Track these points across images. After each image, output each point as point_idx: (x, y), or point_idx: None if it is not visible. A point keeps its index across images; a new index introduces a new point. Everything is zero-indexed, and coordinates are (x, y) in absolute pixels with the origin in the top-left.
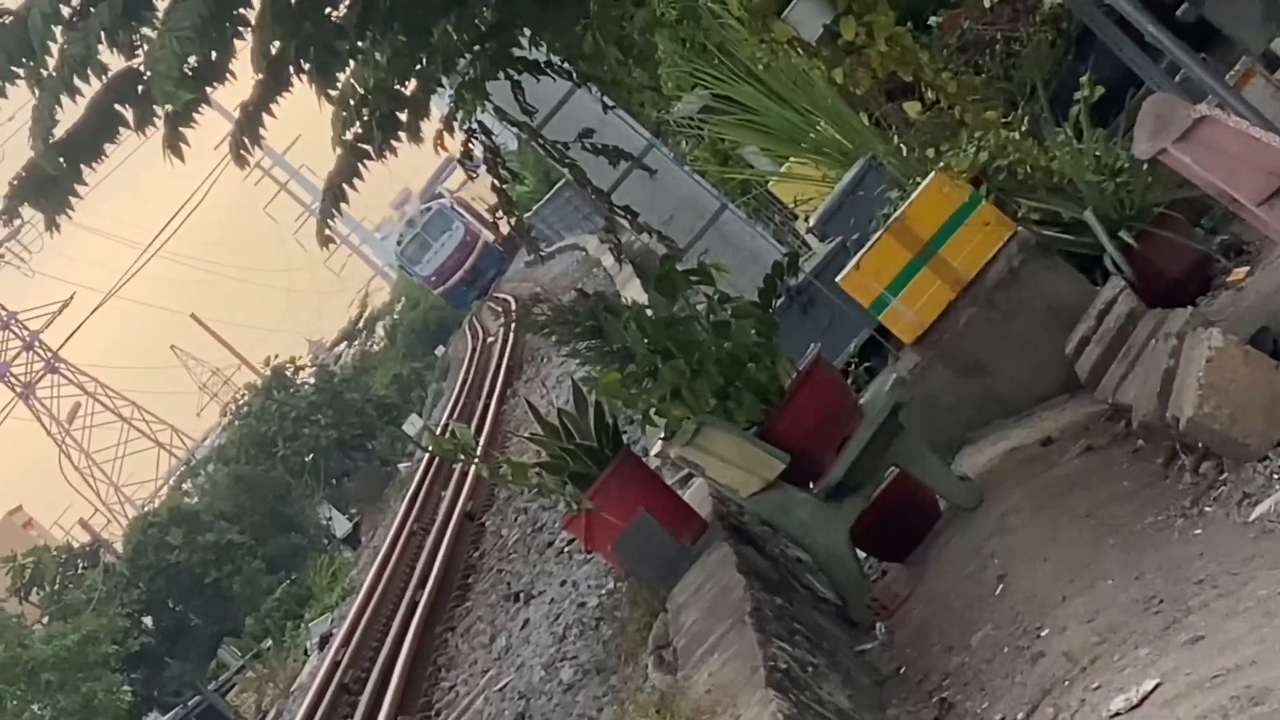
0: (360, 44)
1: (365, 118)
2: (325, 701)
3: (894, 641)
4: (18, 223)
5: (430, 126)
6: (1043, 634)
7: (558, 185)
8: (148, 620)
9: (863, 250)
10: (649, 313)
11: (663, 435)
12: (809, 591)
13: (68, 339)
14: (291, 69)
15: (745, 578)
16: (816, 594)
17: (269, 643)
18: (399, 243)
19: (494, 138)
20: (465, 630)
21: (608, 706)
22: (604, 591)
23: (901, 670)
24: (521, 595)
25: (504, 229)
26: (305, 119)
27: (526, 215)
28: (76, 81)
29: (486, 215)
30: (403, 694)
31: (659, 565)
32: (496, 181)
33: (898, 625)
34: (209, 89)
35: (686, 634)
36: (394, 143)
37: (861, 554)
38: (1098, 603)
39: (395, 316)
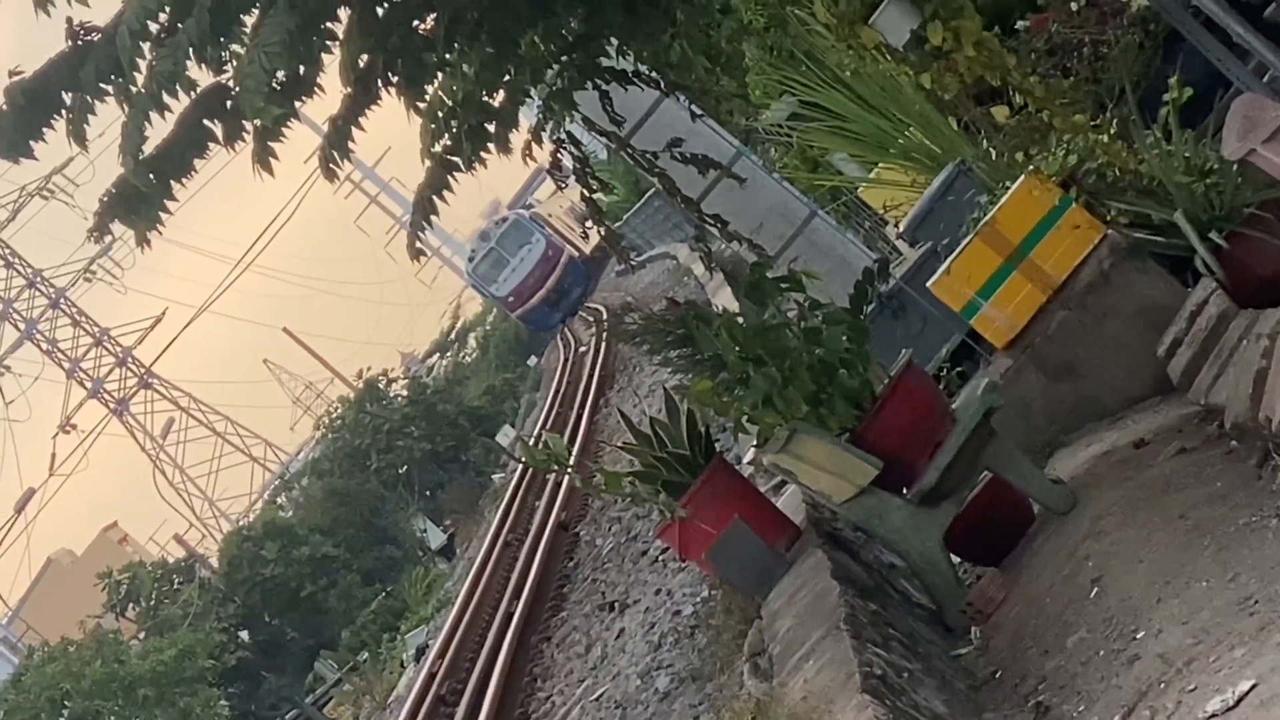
0: (448, 56)
1: (454, 130)
2: (422, 713)
3: (989, 646)
4: (109, 239)
5: (519, 137)
6: (1138, 636)
7: (647, 194)
8: (244, 634)
9: (953, 255)
10: (740, 320)
11: (755, 443)
12: (903, 597)
13: (160, 354)
14: (380, 82)
15: (839, 584)
16: (911, 599)
17: (365, 655)
18: (470, 259)
19: (583, 147)
20: (561, 640)
21: (704, 714)
22: (699, 599)
23: (997, 674)
24: (616, 604)
25: (589, 244)
26: (394, 131)
27: (617, 225)
28: (165, 98)
29: (566, 231)
30: (499, 705)
31: (753, 572)
32: (586, 191)
33: (993, 629)
34: (298, 103)
35: (781, 641)
36: (483, 154)
37: (955, 559)
38: (1193, 604)
39: (487, 327)
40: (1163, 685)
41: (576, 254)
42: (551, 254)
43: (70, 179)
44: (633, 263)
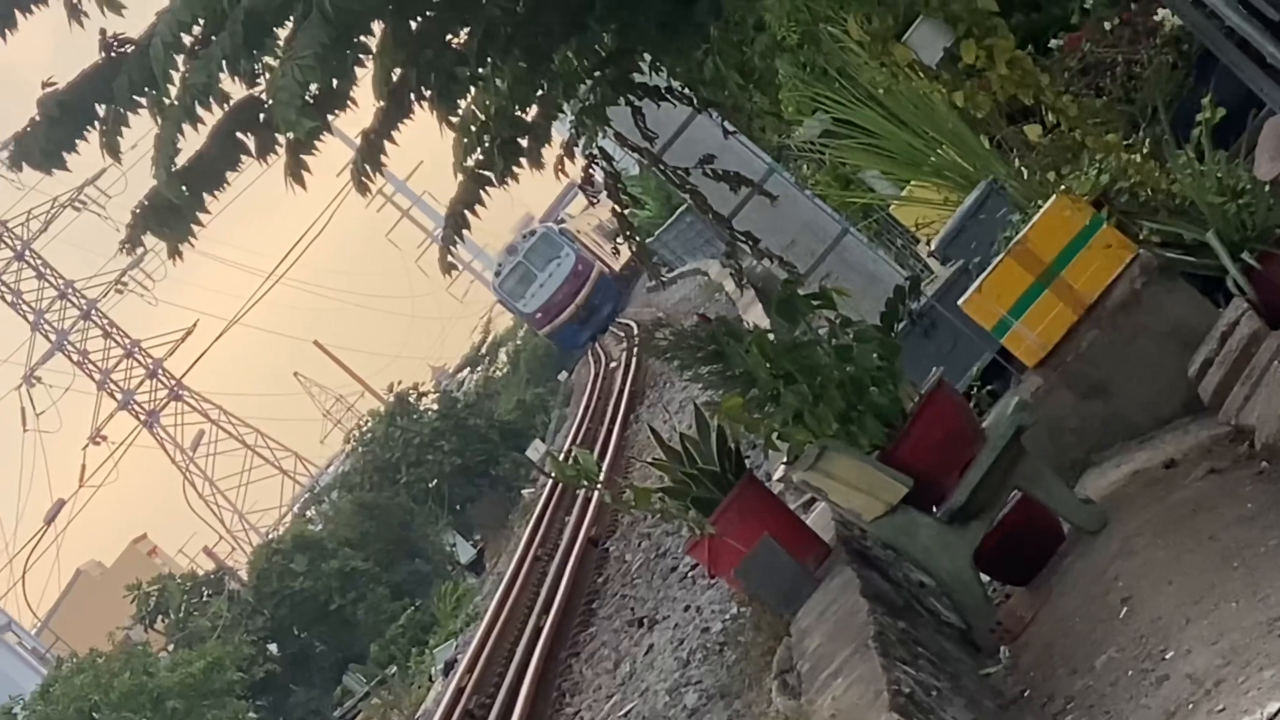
0: (481, 70)
1: (486, 144)
2: None
3: (1018, 665)
4: (140, 251)
5: (551, 152)
6: (1167, 657)
7: (679, 211)
8: (273, 647)
9: (984, 273)
10: (771, 337)
11: (785, 460)
12: (933, 615)
13: (191, 366)
14: (413, 96)
15: (869, 602)
16: (940, 618)
17: (394, 669)
18: (497, 274)
19: (615, 163)
20: (589, 656)
21: None
22: (727, 616)
23: (1025, 694)
24: (645, 620)
25: (619, 260)
26: (427, 145)
27: (648, 240)
28: (198, 110)
29: (595, 247)
30: None
31: (782, 590)
32: (618, 207)
33: (1022, 648)
34: (330, 117)
35: (810, 658)
36: (515, 169)
37: (985, 577)
38: (1222, 625)
39: (518, 342)
40: (1191, 706)
41: (607, 270)
42: (581, 269)
43: (103, 190)
44: (663, 278)
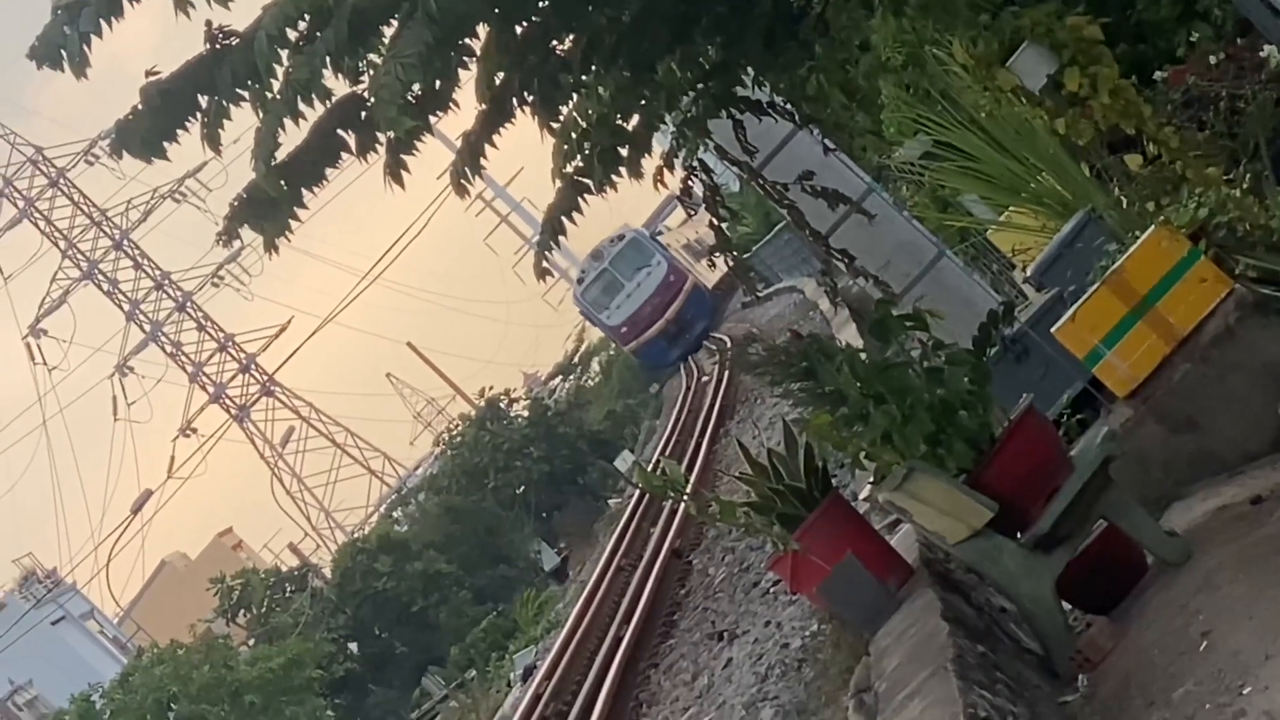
0: (584, 78)
1: (586, 152)
2: None
3: (1096, 694)
4: (237, 245)
5: (651, 163)
6: (1245, 692)
7: (778, 227)
8: (353, 646)
9: (1079, 302)
10: (863, 356)
11: (872, 479)
12: (1013, 641)
13: (284, 363)
14: (515, 100)
15: (949, 625)
16: (1020, 644)
17: (473, 673)
18: (579, 281)
19: (714, 176)
20: (668, 667)
21: None
22: (808, 633)
23: None
24: (725, 634)
25: (715, 273)
26: (528, 152)
27: (745, 256)
28: (300, 105)
29: (685, 260)
30: None
31: (863, 609)
32: (715, 220)
33: (1100, 678)
34: (432, 118)
35: (888, 678)
36: (614, 178)
37: (1066, 605)
38: None
39: (611, 352)
40: None
41: (701, 283)
42: (674, 280)
43: (203, 183)
44: (758, 294)
